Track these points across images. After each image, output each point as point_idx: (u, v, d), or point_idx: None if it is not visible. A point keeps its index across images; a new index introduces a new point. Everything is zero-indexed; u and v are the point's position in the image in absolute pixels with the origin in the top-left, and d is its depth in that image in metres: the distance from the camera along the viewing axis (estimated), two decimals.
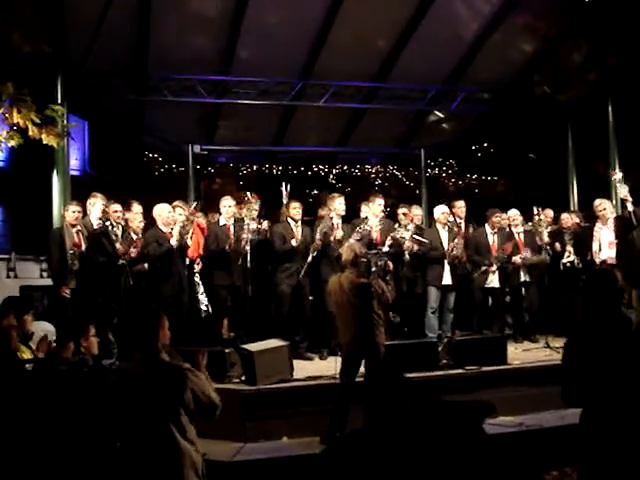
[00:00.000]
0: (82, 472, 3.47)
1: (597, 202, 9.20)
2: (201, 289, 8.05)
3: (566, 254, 9.13)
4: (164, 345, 3.76)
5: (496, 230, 9.11)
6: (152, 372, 3.63)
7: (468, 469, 2.38)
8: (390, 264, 7.90)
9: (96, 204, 7.82)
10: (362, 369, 6.08)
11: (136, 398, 3.57)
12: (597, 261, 8.93)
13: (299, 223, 8.42)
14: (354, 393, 5.91)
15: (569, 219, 9.67)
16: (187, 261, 8.08)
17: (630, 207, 8.41)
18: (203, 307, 7.92)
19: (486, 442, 2.64)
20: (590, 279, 4.05)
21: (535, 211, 9.14)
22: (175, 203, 8.19)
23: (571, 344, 3.70)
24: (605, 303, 3.71)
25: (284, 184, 8.73)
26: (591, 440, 3.45)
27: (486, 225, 9.21)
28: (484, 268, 8.87)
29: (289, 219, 8.43)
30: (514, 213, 9.36)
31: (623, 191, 8.54)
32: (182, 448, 3.52)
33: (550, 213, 9.75)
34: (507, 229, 9.25)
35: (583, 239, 9.22)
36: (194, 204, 8.41)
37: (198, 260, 8.22)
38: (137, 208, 7.98)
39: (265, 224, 8.34)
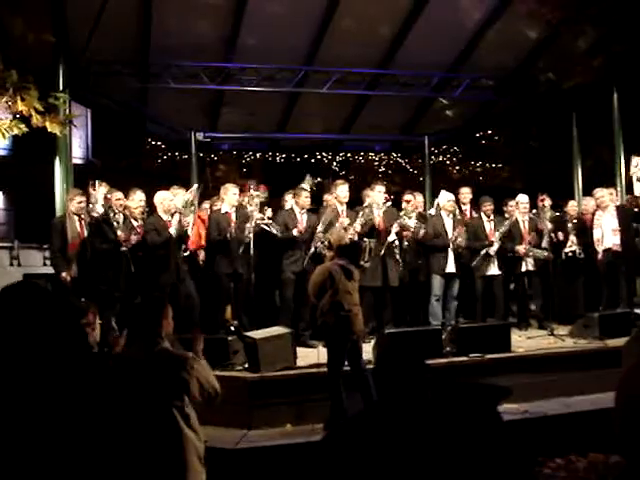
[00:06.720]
0: (83, 459, 3.44)
1: (596, 191, 9.22)
2: None
3: (568, 243, 9.09)
4: (167, 334, 3.76)
5: (492, 217, 9.09)
6: (154, 360, 3.63)
7: (481, 453, 2.35)
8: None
9: (99, 192, 7.83)
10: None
11: (137, 384, 3.57)
12: (600, 249, 8.91)
13: (304, 211, 8.42)
14: (344, 378, 6.04)
15: (574, 208, 9.64)
16: (187, 252, 8.08)
17: None
18: None
19: (501, 426, 2.60)
20: None
21: (539, 197, 9.10)
22: (174, 189, 8.18)
23: None
24: None
25: (308, 175, 8.82)
26: None
27: (481, 213, 9.20)
28: (484, 251, 8.84)
29: (294, 206, 8.43)
30: (523, 199, 9.27)
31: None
32: (186, 435, 3.54)
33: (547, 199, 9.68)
34: (508, 215, 9.20)
35: (585, 228, 9.19)
36: (195, 187, 8.34)
37: (201, 251, 8.22)
38: (138, 195, 7.97)
39: (269, 212, 8.33)
